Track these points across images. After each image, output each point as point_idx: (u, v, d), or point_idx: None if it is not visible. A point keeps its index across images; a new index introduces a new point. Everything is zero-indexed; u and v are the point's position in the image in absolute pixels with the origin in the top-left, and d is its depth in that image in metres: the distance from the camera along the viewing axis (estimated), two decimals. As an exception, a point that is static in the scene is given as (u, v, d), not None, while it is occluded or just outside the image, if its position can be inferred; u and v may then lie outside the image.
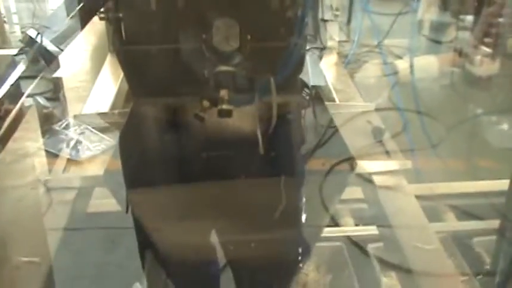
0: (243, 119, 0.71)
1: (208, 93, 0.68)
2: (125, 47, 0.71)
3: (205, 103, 0.69)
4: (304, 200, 0.90)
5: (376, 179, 1.38)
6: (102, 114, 1.64)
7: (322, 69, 2.16)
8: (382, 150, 1.48)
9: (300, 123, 0.89)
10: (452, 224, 1.43)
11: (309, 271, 1.25)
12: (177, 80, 0.72)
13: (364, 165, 1.43)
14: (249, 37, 0.67)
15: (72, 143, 1.68)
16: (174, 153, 0.78)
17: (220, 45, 0.66)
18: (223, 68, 0.66)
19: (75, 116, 1.68)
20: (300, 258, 0.96)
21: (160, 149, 0.79)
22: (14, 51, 2.33)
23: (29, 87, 1.89)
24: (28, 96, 1.88)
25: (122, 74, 1.84)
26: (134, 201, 0.74)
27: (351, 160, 1.60)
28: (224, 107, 0.66)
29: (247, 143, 0.72)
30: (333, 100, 1.72)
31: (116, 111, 1.65)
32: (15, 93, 1.81)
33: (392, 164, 1.44)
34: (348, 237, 1.33)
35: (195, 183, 0.77)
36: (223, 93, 0.66)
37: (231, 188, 0.76)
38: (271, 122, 0.72)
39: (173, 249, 0.82)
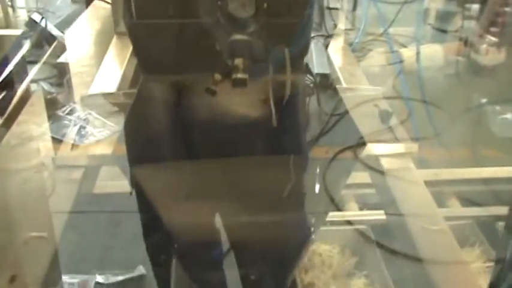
0: (252, 96, 0.71)
1: (220, 67, 0.67)
2: (136, 20, 0.70)
3: (217, 76, 0.69)
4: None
5: (383, 162, 1.37)
6: (107, 95, 1.63)
7: (328, 56, 2.15)
8: (388, 133, 1.47)
9: (304, 106, 0.88)
10: (459, 210, 1.43)
11: (334, 254, 1.26)
12: (188, 54, 0.72)
13: (371, 148, 1.42)
14: (265, 5, 0.66)
15: (76, 129, 1.67)
16: (181, 132, 0.78)
17: (236, 12, 0.65)
18: (239, 36, 0.65)
19: (81, 97, 1.67)
20: (303, 241, 0.96)
21: (168, 126, 0.79)
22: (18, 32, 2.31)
23: (31, 72, 1.89)
24: (32, 81, 1.88)
25: (127, 57, 1.84)
26: (139, 179, 0.74)
27: (355, 147, 1.60)
28: (239, 76, 0.65)
29: (255, 121, 0.72)
30: (340, 84, 1.71)
31: (121, 92, 1.64)
32: (20, 75, 1.81)
33: (399, 147, 1.43)
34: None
35: (200, 160, 0.76)
36: (238, 61, 0.65)
37: (237, 166, 0.76)
38: (280, 99, 0.72)
39: (177, 228, 0.82)
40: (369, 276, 1.23)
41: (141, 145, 0.79)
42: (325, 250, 1.28)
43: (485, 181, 1.52)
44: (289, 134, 0.81)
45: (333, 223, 1.36)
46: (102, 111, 1.64)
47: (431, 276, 1.10)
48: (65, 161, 1.45)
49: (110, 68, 1.86)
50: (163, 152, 0.78)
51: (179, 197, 0.77)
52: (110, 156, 1.44)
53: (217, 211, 0.85)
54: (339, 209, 1.42)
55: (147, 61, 0.75)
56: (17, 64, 1.84)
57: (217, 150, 0.77)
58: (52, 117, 1.74)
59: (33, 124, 1.68)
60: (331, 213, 1.38)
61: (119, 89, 1.70)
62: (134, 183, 0.79)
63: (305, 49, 0.77)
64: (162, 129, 0.78)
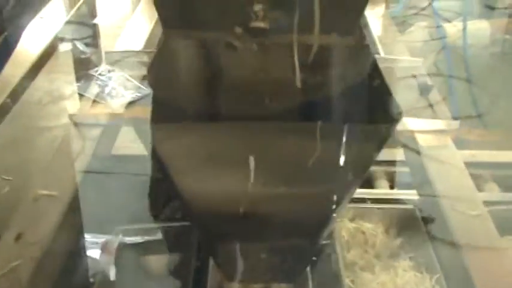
0: (277, 53, 0.65)
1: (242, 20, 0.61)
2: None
3: (238, 30, 0.63)
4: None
5: (420, 138, 1.30)
6: (132, 53, 1.61)
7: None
8: (428, 109, 1.39)
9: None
10: (502, 194, 1.35)
11: (378, 233, 1.22)
12: (209, 8, 0.66)
13: (408, 123, 1.34)
14: None
15: (107, 89, 1.67)
16: (204, 89, 0.74)
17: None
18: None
19: (105, 53, 1.65)
20: (327, 215, 0.90)
21: (191, 83, 0.74)
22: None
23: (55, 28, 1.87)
24: (66, 40, 1.88)
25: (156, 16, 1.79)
26: (158, 137, 0.70)
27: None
28: (258, 24, 0.59)
29: (282, 82, 0.66)
30: (377, 53, 1.62)
31: (147, 51, 1.61)
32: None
33: (438, 123, 1.35)
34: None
35: (224, 123, 0.72)
36: (258, 8, 0.59)
37: (261, 131, 0.71)
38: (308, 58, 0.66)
39: (194, 196, 0.78)
40: (415, 258, 1.18)
41: (164, 100, 0.75)
42: (368, 229, 1.23)
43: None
44: (319, 99, 0.75)
45: (377, 201, 1.31)
46: (133, 74, 1.62)
47: (466, 262, 1.05)
48: (84, 119, 1.44)
49: (137, 25, 1.83)
50: (186, 109, 0.74)
51: (199, 160, 0.73)
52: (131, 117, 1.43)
53: (238, 178, 0.81)
54: (369, 187, 1.36)
55: (167, 14, 0.69)
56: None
57: (243, 112, 0.72)
58: (84, 76, 1.73)
59: (64, 82, 1.68)
60: (366, 191, 1.33)
61: (145, 48, 1.67)
62: (154, 141, 0.75)
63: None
64: (186, 83, 0.74)
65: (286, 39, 0.65)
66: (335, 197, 0.83)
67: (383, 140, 0.73)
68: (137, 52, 1.66)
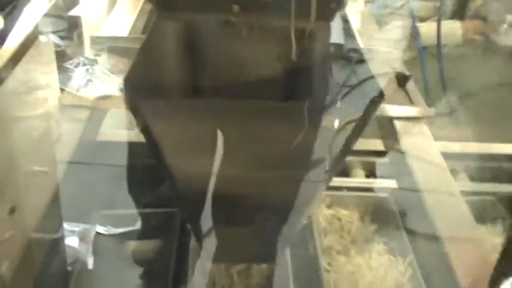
0: (271, 32, 0.67)
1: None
2: None
3: (236, 7, 0.65)
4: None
5: (397, 125, 1.34)
6: (117, 39, 1.61)
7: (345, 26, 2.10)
8: (405, 97, 1.43)
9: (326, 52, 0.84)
10: (479, 185, 1.41)
11: (354, 219, 1.26)
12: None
13: (386, 109, 1.38)
14: None
15: (83, 82, 1.67)
16: (193, 71, 0.75)
17: None
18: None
19: (90, 38, 1.65)
20: (305, 199, 0.93)
21: (181, 65, 0.76)
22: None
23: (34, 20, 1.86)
24: (41, 34, 1.87)
25: (141, 3, 1.81)
26: (147, 116, 0.72)
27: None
28: None
29: (273, 61, 0.68)
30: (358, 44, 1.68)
31: (132, 37, 1.62)
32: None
33: (414, 110, 1.40)
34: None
35: (210, 101, 0.74)
36: None
37: (246, 109, 0.73)
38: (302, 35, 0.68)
39: (179, 172, 0.80)
40: (388, 243, 1.22)
41: (151, 84, 0.77)
42: (344, 215, 1.27)
43: (495, 157, 1.49)
44: (305, 79, 0.77)
45: (353, 189, 1.35)
46: (112, 66, 1.62)
47: (444, 250, 1.09)
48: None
49: (122, 12, 1.83)
50: (173, 91, 0.75)
51: (185, 138, 0.75)
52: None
53: (215, 159, 0.82)
54: (343, 175, 1.40)
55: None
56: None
57: (231, 92, 0.74)
58: (60, 69, 1.73)
59: (42, 73, 1.67)
60: (345, 179, 1.37)
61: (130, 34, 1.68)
62: (142, 122, 0.76)
63: None
64: (174, 69, 0.75)
65: (279, 20, 0.67)
66: (311, 179, 0.86)
67: (365, 120, 0.75)
68: (122, 38, 1.66)
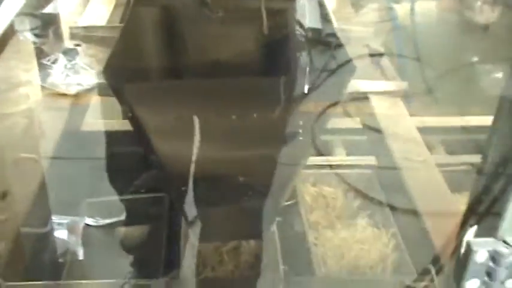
0: (245, 15, 0.69)
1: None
2: None
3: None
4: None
5: (373, 100, 1.37)
6: (96, 28, 1.62)
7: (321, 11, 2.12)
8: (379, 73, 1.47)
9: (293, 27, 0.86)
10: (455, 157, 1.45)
11: (338, 196, 1.29)
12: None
13: (360, 84, 1.42)
14: None
15: (61, 77, 1.67)
16: (172, 54, 0.77)
17: None
18: None
19: (69, 28, 1.66)
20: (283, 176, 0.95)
21: (159, 48, 0.77)
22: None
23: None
24: (16, 32, 1.86)
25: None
26: (130, 99, 0.73)
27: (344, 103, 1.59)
28: None
29: (246, 41, 0.70)
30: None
31: (110, 26, 1.63)
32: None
33: (388, 85, 1.43)
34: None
35: (189, 80, 0.76)
36: None
37: (223, 87, 0.75)
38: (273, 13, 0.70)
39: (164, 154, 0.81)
40: (372, 216, 1.26)
41: (132, 68, 0.78)
42: (329, 193, 1.30)
43: (470, 130, 1.53)
44: (277, 53, 0.80)
45: (337, 167, 1.38)
46: (91, 56, 1.63)
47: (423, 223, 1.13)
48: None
49: (98, 6, 1.84)
50: (153, 73, 0.77)
51: (168, 119, 0.77)
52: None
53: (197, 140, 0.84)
54: (321, 154, 1.43)
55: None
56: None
57: (209, 71, 0.76)
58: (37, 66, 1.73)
59: (22, 70, 1.67)
60: (327, 158, 1.40)
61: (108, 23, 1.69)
62: (127, 106, 0.77)
63: None
64: (153, 52, 0.77)
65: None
66: (288, 156, 0.88)
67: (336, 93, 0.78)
68: (100, 28, 1.67)
